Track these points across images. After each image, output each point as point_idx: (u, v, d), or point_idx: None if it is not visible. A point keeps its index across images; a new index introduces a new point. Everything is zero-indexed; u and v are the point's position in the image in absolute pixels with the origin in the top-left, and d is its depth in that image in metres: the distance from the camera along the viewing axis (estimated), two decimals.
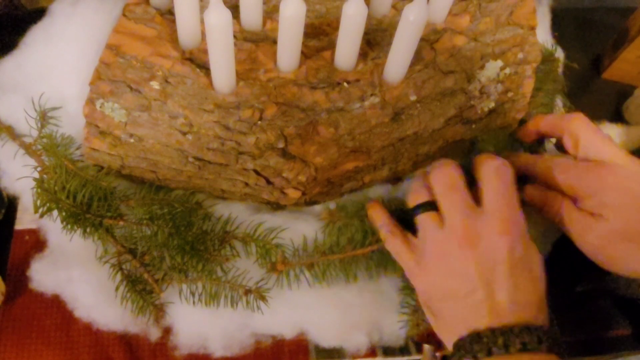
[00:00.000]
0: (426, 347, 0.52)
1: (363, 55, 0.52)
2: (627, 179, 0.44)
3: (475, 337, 0.40)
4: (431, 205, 0.46)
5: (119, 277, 0.51)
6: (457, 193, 0.45)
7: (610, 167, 0.45)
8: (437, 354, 0.52)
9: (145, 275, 0.51)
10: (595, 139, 0.47)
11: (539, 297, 0.42)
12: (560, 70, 0.64)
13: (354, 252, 0.52)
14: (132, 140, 0.51)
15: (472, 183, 0.46)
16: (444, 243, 0.44)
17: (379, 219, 0.50)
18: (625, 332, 0.56)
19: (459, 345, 0.41)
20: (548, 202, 0.48)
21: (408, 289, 0.53)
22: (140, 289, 0.51)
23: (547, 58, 0.61)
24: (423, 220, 0.46)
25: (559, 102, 0.62)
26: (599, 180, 0.45)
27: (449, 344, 0.44)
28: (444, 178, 0.46)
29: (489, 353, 0.39)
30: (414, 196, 0.47)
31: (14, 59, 0.61)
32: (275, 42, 0.50)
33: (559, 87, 0.62)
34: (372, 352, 0.53)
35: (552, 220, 0.48)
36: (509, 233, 0.42)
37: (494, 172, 0.45)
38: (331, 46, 0.52)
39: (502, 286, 0.41)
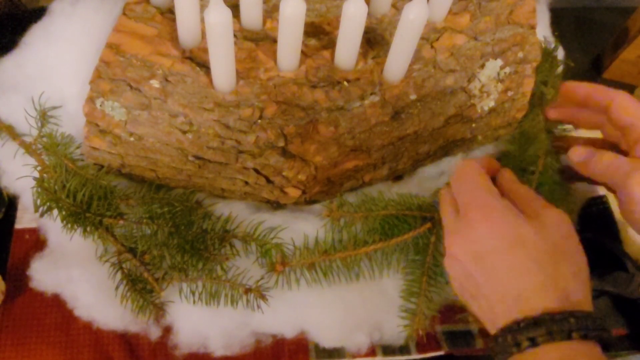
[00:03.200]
0: None
1: (363, 54, 0.52)
2: None
3: (493, 338, 0.39)
4: None
5: (119, 276, 0.51)
6: (443, 201, 0.45)
7: None
8: None
9: (145, 274, 0.51)
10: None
11: (543, 280, 0.38)
12: (560, 68, 0.64)
13: (356, 251, 0.52)
14: (132, 139, 0.51)
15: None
16: (447, 250, 0.43)
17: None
18: (624, 331, 0.56)
19: (489, 348, 0.40)
20: (592, 159, 0.47)
21: (408, 292, 0.53)
22: (140, 288, 0.51)
23: (548, 56, 0.61)
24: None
25: None
26: None
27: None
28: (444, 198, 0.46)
29: (506, 354, 0.37)
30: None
31: (14, 58, 0.61)
32: (275, 41, 0.50)
33: (558, 85, 0.62)
34: (372, 351, 0.53)
35: (597, 177, 0.47)
36: (489, 217, 0.41)
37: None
38: (331, 45, 0.52)
39: (500, 277, 0.39)
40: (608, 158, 0.46)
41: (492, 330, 0.39)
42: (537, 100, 0.58)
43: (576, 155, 0.48)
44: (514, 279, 0.39)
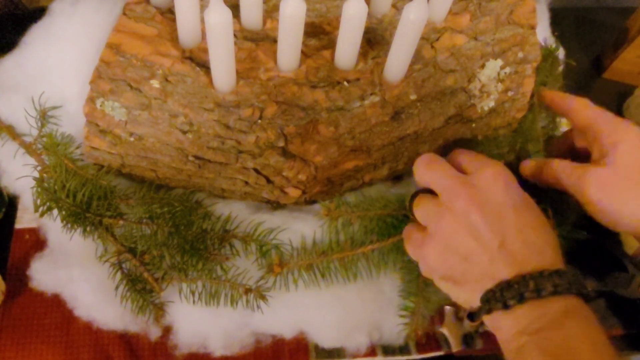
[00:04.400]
0: (447, 308, 0.51)
1: (363, 54, 0.52)
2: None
3: (505, 285, 0.39)
4: (426, 191, 0.46)
5: (118, 276, 0.51)
6: (438, 164, 0.45)
7: (625, 122, 0.47)
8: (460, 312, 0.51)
9: (145, 274, 0.51)
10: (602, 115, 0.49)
11: (553, 240, 0.42)
12: (560, 68, 0.64)
13: (353, 252, 0.52)
14: (132, 139, 0.51)
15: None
16: (446, 206, 0.43)
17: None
18: (622, 331, 0.56)
19: (488, 297, 0.40)
20: (544, 168, 0.50)
21: (406, 292, 0.53)
22: (140, 288, 0.51)
23: (548, 56, 0.61)
24: (420, 200, 0.46)
25: None
26: (614, 126, 0.47)
27: (474, 304, 0.42)
28: (423, 162, 0.46)
29: (521, 299, 0.38)
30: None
31: (14, 58, 0.61)
32: (275, 41, 0.50)
33: (558, 85, 0.62)
34: (372, 351, 0.53)
35: (551, 184, 0.49)
36: (501, 175, 0.43)
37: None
38: (331, 45, 0.52)
39: (513, 232, 0.41)
40: (557, 166, 0.49)
41: (488, 285, 0.40)
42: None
43: (527, 169, 0.52)
44: (533, 234, 0.41)
